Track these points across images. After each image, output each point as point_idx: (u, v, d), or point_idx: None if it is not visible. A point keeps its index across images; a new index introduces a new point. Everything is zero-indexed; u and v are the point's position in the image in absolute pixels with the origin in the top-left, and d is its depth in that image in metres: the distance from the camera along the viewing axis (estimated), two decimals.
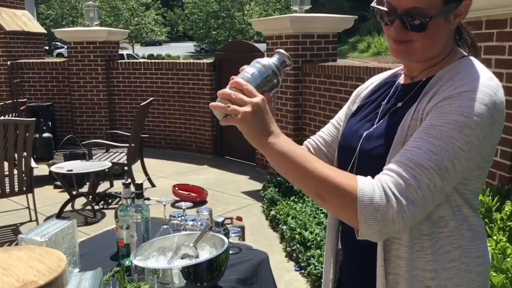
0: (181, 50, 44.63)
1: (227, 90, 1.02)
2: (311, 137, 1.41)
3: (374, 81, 1.32)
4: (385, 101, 1.20)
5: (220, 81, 6.99)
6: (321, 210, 4.23)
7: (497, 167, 3.09)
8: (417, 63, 1.14)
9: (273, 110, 1.12)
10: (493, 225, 2.37)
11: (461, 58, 1.11)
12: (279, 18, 5.69)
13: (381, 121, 1.16)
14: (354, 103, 1.32)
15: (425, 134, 0.98)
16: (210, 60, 7.26)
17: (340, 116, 1.35)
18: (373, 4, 1.12)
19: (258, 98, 1.00)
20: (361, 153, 1.16)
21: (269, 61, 1.08)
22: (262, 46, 6.75)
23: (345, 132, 1.27)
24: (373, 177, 0.98)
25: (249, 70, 1.06)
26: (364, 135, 1.17)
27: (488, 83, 1.01)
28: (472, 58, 1.11)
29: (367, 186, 0.94)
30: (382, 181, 0.95)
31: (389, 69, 1.37)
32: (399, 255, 1.07)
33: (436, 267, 1.07)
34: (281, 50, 1.12)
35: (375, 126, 1.16)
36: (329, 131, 1.36)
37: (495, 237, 2.19)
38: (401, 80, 1.22)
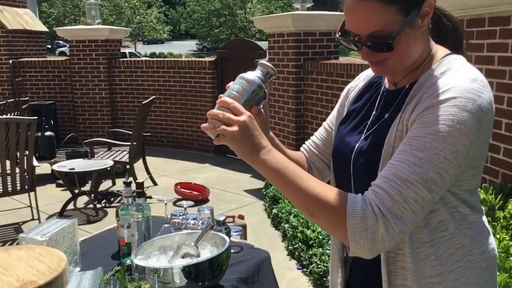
0: (183, 49, 44.63)
1: (215, 110, 1.03)
2: (306, 141, 1.42)
3: (361, 79, 1.31)
4: (373, 111, 1.18)
5: (222, 79, 6.98)
6: None
7: (500, 165, 3.07)
8: None
9: (266, 122, 1.14)
10: (496, 223, 2.36)
11: (443, 58, 1.08)
12: (281, 16, 5.67)
13: (370, 132, 1.15)
14: (344, 106, 1.31)
15: (408, 146, 0.97)
16: (212, 58, 7.26)
17: (331, 119, 1.35)
18: (337, 35, 1.11)
19: (245, 116, 1.01)
20: (355, 165, 1.16)
21: (253, 75, 1.09)
22: (264, 44, 6.73)
23: (336, 142, 1.26)
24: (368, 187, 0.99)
25: (234, 87, 1.08)
26: (355, 148, 1.16)
27: (471, 86, 0.98)
28: (454, 57, 1.08)
29: (357, 205, 0.95)
30: (371, 200, 0.95)
31: None
32: (404, 266, 1.07)
33: (442, 270, 1.07)
34: (264, 62, 1.13)
35: (363, 137, 1.15)
36: (321, 136, 1.37)
37: (498, 236, 2.18)
38: (386, 83, 1.20)
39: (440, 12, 1.13)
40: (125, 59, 7.90)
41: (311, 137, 1.40)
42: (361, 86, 1.28)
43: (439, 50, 1.11)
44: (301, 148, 1.41)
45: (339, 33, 1.10)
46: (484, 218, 1.14)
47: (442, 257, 1.06)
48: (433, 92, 1.00)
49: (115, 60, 7.58)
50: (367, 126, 1.16)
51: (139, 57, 24.56)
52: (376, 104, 1.18)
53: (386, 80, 1.20)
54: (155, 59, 7.86)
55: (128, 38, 34.91)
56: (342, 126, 1.26)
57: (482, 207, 1.16)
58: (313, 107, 5.46)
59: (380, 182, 0.97)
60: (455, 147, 0.95)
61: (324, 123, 1.37)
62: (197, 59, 7.67)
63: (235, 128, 0.99)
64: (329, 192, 0.99)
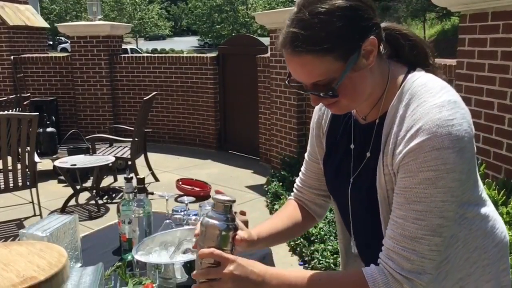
0: (185, 45, 44.57)
1: (199, 271, 1.04)
2: (295, 186, 1.40)
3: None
4: (351, 143, 1.16)
5: (223, 75, 6.96)
6: None
7: (503, 161, 3.06)
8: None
9: (247, 240, 1.12)
10: None
11: (403, 83, 1.04)
12: (283, 11, 5.65)
13: (357, 174, 1.14)
14: (320, 138, 1.27)
15: (404, 199, 0.98)
16: (213, 54, 7.24)
17: (312, 153, 1.31)
18: (287, 81, 1.10)
19: (230, 265, 1.01)
20: (354, 210, 1.17)
21: (215, 221, 1.06)
22: (265, 40, 6.71)
23: (328, 184, 1.26)
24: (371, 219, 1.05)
25: (202, 240, 1.06)
26: (349, 193, 1.15)
27: (440, 118, 0.94)
28: (412, 78, 1.04)
29: (377, 281, 0.98)
30: (388, 268, 0.98)
31: None
32: None
33: (461, 276, 1.07)
34: (217, 198, 1.09)
35: (352, 180, 1.14)
36: (309, 172, 1.34)
37: None
38: (354, 111, 1.16)
39: (396, 32, 1.09)
40: (126, 55, 7.88)
41: (300, 178, 1.38)
42: (329, 115, 1.24)
43: (397, 75, 1.07)
44: (293, 195, 1.39)
45: (288, 78, 1.07)
46: (489, 208, 1.12)
47: (459, 265, 1.07)
48: (406, 132, 0.97)
49: (116, 56, 7.57)
50: (352, 166, 1.15)
51: (140, 53, 24.56)
52: (352, 137, 1.17)
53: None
54: (156, 55, 7.84)
55: (129, 34, 34.91)
56: (327, 165, 1.24)
57: (486, 195, 1.14)
58: None
59: (392, 245, 0.99)
60: (447, 187, 0.95)
61: (307, 158, 1.34)
62: (198, 55, 7.66)
63: (229, 284, 1.00)
64: (345, 281, 1.03)
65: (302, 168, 1.37)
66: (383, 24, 1.07)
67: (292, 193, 1.40)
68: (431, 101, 0.97)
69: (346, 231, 1.28)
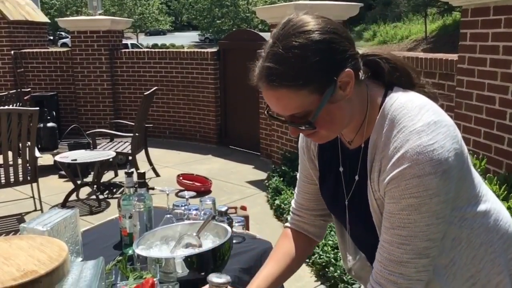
0: (186, 40, 44.49)
1: None
2: (291, 210, 1.38)
3: None
4: (340, 166, 1.17)
5: (224, 70, 6.95)
6: None
7: (504, 156, 3.06)
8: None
9: None
10: None
11: (381, 106, 1.03)
12: (283, 6, 5.63)
13: (350, 197, 1.15)
14: (311, 161, 1.27)
15: (389, 224, 0.99)
16: (214, 49, 7.22)
17: (306, 175, 1.31)
18: (266, 111, 1.10)
19: None
20: (353, 230, 1.19)
21: None
22: (267, 35, 6.70)
23: (327, 205, 1.27)
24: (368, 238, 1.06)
25: None
26: (346, 218, 1.18)
27: (420, 144, 0.93)
28: (390, 101, 1.03)
29: None
30: None
31: None
32: None
33: (470, 273, 1.07)
34: (212, 280, 1.11)
35: (347, 203, 1.16)
36: (306, 194, 1.33)
37: None
38: (340, 135, 1.16)
39: (377, 57, 1.08)
40: (126, 50, 7.87)
41: (295, 202, 1.37)
42: None
43: (375, 99, 1.06)
44: (290, 221, 1.38)
45: (268, 109, 1.07)
46: (490, 202, 1.10)
47: (466, 264, 1.06)
48: (389, 159, 0.98)
49: (116, 51, 7.55)
50: (344, 189, 1.16)
51: (141, 48, 24.50)
52: (340, 160, 1.17)
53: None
54: (157, 50, 7.82)
55: (130, 29, 34.87)
56: (323, 187, 1.25)
57: (486, 189, 1.12)
58: None
59: (380, 269, 1.01)
60: (431, 211, 0.95)
61: (300, 181, 1.34)
62: (199, 50, 7.64)
63: None
64: None
65: (296, 191, 1.36)
66: (362, 51, 1.07)
67: (289, 217, 1.39)
68: (410, 126, 0.96)
69: (346, 240, 1.29)
